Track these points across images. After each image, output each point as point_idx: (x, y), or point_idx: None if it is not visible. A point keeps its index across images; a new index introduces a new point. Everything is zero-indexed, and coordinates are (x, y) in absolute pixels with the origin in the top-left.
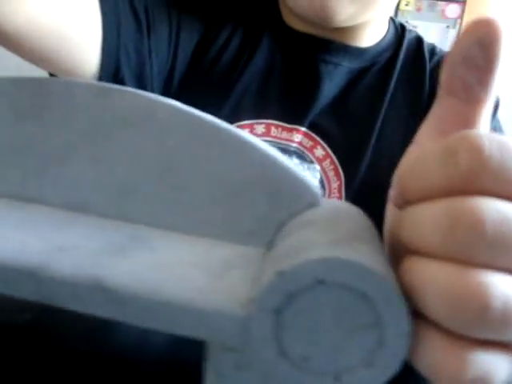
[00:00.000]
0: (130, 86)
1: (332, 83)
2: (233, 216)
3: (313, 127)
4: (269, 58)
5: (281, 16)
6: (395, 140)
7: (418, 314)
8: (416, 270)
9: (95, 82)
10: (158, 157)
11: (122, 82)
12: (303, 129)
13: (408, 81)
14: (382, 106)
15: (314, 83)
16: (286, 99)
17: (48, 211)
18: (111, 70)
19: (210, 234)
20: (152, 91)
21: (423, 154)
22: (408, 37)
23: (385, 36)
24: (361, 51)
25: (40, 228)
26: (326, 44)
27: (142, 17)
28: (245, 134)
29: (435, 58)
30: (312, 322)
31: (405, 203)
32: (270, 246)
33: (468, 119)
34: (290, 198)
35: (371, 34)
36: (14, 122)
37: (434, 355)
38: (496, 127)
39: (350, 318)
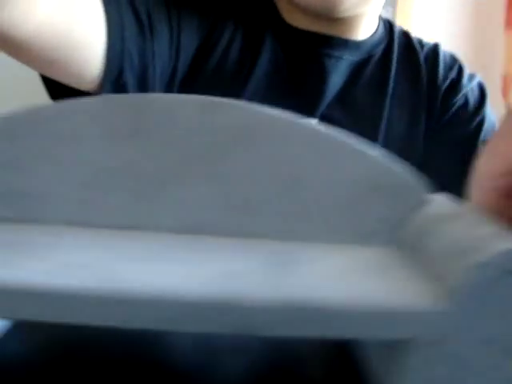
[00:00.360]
0: (131, 89)
1: (337, 76)
2: (356, 220)
3: (324, 119)
4: (273, 58)
5: (279, 14)
6: (402, 125)
7: None
8: None
9: (196, 97)
10: (278, 170)
11: (124, 86)
12: (315, 121)
13: (405, 70)
14: (386, 94)
15: (320, 77)
16: (296, 95)
17: (168, 237)
18: (114, 73)
19: (336, 239)
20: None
21: None
22: (396, 30)
23: (376, 30)
24: (358, 44)
25: (180, 256)
26: (328, 39)
27: (145, 19)
28: (354, 141)
29: (425, 49)
30: (497, 304)
31: None
32: (398, 244)
33: None
34: (403, 197)
35: (365, 28)
36: (110, 146)
37: None
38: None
39: None
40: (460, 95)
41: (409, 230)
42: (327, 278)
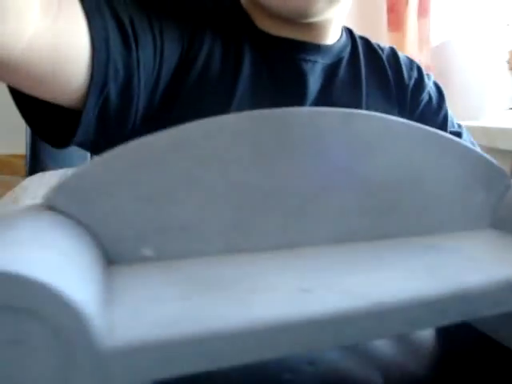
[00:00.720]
0: (114, 99)
1: (314, 79)
2: (466, 207)
3: None
4: (254, 65)
5: (253, 22)
6: None
7: None
8: None
9: (335, 109)
10: (407, 171)
11: (107, 96)
12: None
13: (373, 71)
14: (360, 93)
15: (300, 81)
16: (280, 98)
17: (334, 249)
18: (99, 84)
19: (454, 227)
20: (137, 103)
21: None
22: (356, 35)
23: (341, 35)
24: (329, 48)
25: (367, 264)
26: (301, 44)
27: (129, 29)
28: (459, 140)
29: (385, 52)
30: None
31: None
32: (499, 225)
33: None
34: (496, 184)
35: (333, 33)
36: (258, 163)
37: None
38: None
39: None
40: (425, 93)
41: (505, 211)
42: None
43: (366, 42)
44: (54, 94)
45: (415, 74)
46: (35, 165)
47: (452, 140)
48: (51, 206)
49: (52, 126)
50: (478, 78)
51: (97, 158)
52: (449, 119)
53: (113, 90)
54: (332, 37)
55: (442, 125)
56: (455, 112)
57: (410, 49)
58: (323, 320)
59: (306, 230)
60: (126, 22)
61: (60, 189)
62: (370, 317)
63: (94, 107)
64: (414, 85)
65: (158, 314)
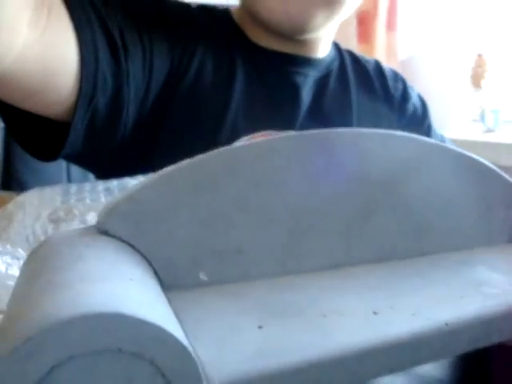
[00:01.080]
0: (103, 111)
1: (306, 91)
2: (488, 225)
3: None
4: (247, 78)
5: (245, 35)
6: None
7: None
8: None
9: (378, 131)
10: (440, 191)
11: (95, 107)
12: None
13: (361, 82)
14: (350, 105)
15: (293, 93)
16: (274, 110)
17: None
18: (88, 96)
19: (480, 243)
20: (127, 115)
21: None
22: (342, 49)
23: (330, 49)
24: (319, 61)
25: (417, 284)
26: (294, 58)
27: (118, 41)
28: (482, 160)
29: (370, 64)
30: None
31: None
32: None
33: None
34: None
35: (323, 47)
36: (307, 184)
37: None
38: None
39: None
40: (409, 103)
41: None
42: None
43: (352, 54)
44: (43, 106)
45: (400, 85)
46: (9, 175)
47: (477, 161)
48: (104, 230)
49: (38, 139)
50: (442, 92)
51: (148, 180)
52: (432, 129)
53: (101, 101)
54: (322, 51)
55: (427, 135)
56: None
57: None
58: (400, 343)
59: (352, 250)
60: (116, 33)
61: (113, 213)
62: (440, 337)
63: (83, 119)
64: (400, 96)
65: (243, 346)
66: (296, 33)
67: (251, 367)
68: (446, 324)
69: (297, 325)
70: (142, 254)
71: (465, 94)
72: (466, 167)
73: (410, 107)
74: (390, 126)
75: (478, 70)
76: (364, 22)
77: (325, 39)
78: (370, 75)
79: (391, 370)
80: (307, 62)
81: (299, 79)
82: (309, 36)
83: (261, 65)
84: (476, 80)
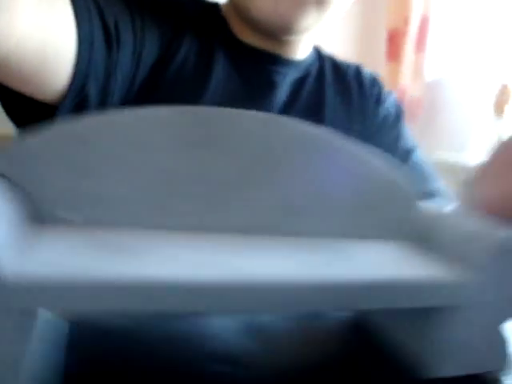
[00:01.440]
0: (93, 99)
1: (282, 90)
2: (371, 218)
3: None
4: (224, 72)
5: (230, 30)
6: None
7: None
8: None
9: (260, 113)
10: (320, 177)
11: (86, 96)
12: None
13: (337, 86)
14: (324, 108)
15: (270, 91)
16: (248, 106)
17: (236, 238)
18: (80, 83)
19: (356, 235)
20: (112, 103)
21: None
22: (324, 54)
23: (311, 52)
24: (298, 63)
25: (263, 252)
26: (275, 57)
27: (112, 30)
28: (370, 158)
29: (350, 69)
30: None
31: None
32: (404, 238)
33: None
34: (401, 201)
35: (304, 49)
36: (181, 152)
37: None
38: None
39: None
40: (382, 107)
41: (411, 226)
42: (386, 263)
43: (332, 60)
44: (39, 90)
45: (376, 89)
46: None
47: (360, 157)
48: None
49: (30, 118)
50: (465, 116)
51: (36, 131)
52: (403, 135)
53: (92, 90)
54: (303, 52)
55: (396, 139)
56: (440, 142)
57: (404, 80)
58: (196, 286)
59: (219, 216)
60: (111, 24)
61: (1, 153)
62: (236, 290)
63: (71, 104)
64: (374, 100)
65: (57, 260)
66: (284, 32)
67: (48, 273)
68: (247, 279)
69: (121, 258)
70: (24, 190)
71: (486, 120)
72: (348, 161)
73: (383, 111)
74: (362, 131)
75: (502, 99)
76: (394, 39)
77: (307, 42)
78: (349, 80)
79: (184, 308)
80: (287, 62)
81: (277, 78)
82: (295, 37)
83: (241, 60)
84: (499, 108)
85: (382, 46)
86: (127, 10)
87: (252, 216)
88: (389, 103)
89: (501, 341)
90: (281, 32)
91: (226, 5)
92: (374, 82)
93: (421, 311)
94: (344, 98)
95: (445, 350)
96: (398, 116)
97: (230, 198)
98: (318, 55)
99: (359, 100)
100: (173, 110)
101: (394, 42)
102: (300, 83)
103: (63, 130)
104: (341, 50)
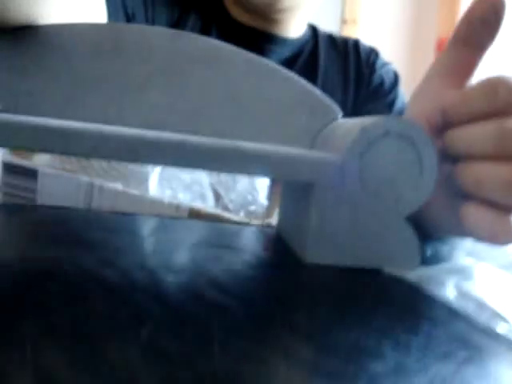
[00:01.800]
0: None
1: None
2: (283, 128)
3: None
4: None
5: (226, 10)
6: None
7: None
8: (475, 169)
9: (169, 29)
10: (223, 86)
11: None
12: None
13: (334, 64)
14: (316, 83)
15: None
16: None
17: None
18: None
19: (268, 141)
20: None
21: (466, 90)
22: (320, 33)
23: (305, 31)
24: (291, 41)
25: None
26: (266, 35)
27: (130, 14)
28: (284, 69)
29: (349, 45)
30: (381, 161)
31: (451, 126)
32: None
33: (469, 64)
34: (321, 114)
35: (296, 28)
36: (93, 60)
37: (483, 221)
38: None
39: (403, 157)
40: (376, 74)
41: (324, 137)
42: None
43: (330, 37)
44: None
45: (372, 59)
46: None
47: (275, 69)
48: None
49: None
50: None
51: None
52: (398, 101)
53: None
54: (294, 32)
55: (392, 103)
56: None
57: None
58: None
59: (124, 113)
60: (130, 7)
61: None
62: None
63: None
64: (370, 69)
65: None
66: (270, 10)
67: None
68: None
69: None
70: None
71: None
72: (262, 72)
73: (376, 79)
74: (357, 98)
75: None
76: (443, 47)
77: (299, 20)
78: (348, 53)
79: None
80: (279, 40)
81: (268, 56)
82: (284, 14)
83: (233, 38)
84: None
85: (431, 54)
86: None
87: (150, 114)
88: (384, 71)
89: (405, 238)
90: (267, 9)
91: None
92: (371, 53)
93: (300, 197)
94: (340, 69)
95: (323, 236)
96: (394, 82)
97: (133, 97)
98: (313, 33)
99: (355, 69)
100: (90, 25)
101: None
102: (291, 61)
103: (5, 38)
104: (392, 59)
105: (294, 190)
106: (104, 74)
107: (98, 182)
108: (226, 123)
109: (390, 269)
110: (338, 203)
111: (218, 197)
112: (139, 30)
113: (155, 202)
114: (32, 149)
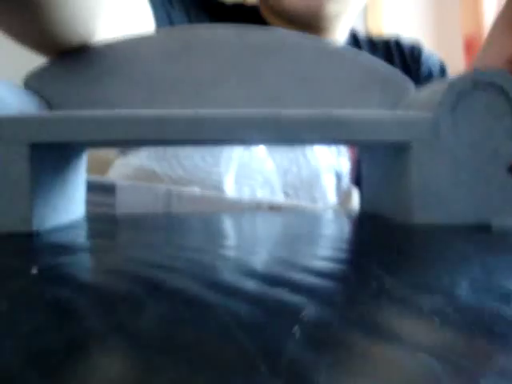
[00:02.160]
0: None
1: None
2: (361, 104)
3: None
4: None
5: (262, 20)
6: None
7: None
8: None
9: (232, 25)
10: (294, 72)
11: None
12: None
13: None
14: None
15: None
16: None
17: None
18: None
19: None
20: None
21: None
22: (361, 37)
23: (346, 38)
24: None
25: None
26: None
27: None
28: (350, 50)
29: (391, 41)
30: (472, 113)
31: None
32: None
33: None
34: (393, 88)
35: (340, 35)
36: (165, 63)
37: None
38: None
39: (494, 107)
40: (424, 66)
41: (401, 106)
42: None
43: (370, 39)
44: None
45: (416, 53)
46: None
47: (342, 49)
48: (26, 84)
49: None
50: None
51: (57, 60)
52: None
53: None
54: (339, 38)
55: None
56: None
57: None
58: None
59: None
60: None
61: (32, 74)
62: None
63: None
64: (415, 63)
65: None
66: (314, 20)
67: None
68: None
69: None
70: (44, 100)
71: None
72: (330, 54)
73: (425, 70)
74: None
75: None
76: (471, 46)
77: (340, 28)
78: (391, 57)
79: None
80: None
81: None
82: (327, 24)
83: None
84: None
85: (460, 54)
86: (184, 11)
87: (227, 108)
88: (430, 62)
89: (508, 190)
90: (312, 18)
91: (261, 5)
92: (413, 48)
93: (390, 163)
94: None
95: (427, 195)
96: (442, 71)
97: (208, 94)
98: (354, 39)
99: (402, 67)
100: (157, 32)
101: (472, 50)
102: None
103: (78, 56)
104: None
105: (379, 158)
106: (178, 75)
107: (175, 189)
108: (301, 107)
109: (498, 222)
110: (436, 160)
111: (287, 195)
112: (205, 29)
113: (235, 202)
114: (127, 142)
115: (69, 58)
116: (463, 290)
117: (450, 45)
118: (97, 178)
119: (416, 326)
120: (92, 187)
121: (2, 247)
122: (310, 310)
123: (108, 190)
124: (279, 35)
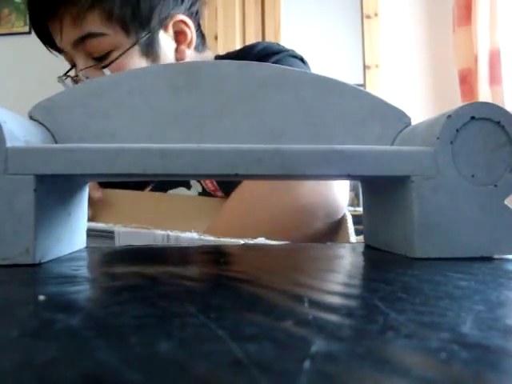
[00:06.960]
0: None
1: None
2: (361, 139)
3: None
4: None
5: None
6: None
7: None
8: None
9: (233, 60)
10: (295, 106)
11: None
12: None
13: None
14: None
15: None
16: None
17: None
18: None
19: None
20: None
21: None
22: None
23: None
24: None
25: None
26: None
27: None
28: (350, 84)
29: None
30: (471, 146)
31: None
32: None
33: None
34: (393, 121)
35: None
36: (169, 96)
37: None
38: None
39: (492, 140)
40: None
41: (400, 143)
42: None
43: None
44: None
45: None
46: None
47: (342, 83)
48: (31, 116)
49: None
50: None
51: (62, 92)
52: None
53: None
54: None
55: None
56: None
57: None
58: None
59: (205, 141)
60: None
61: (37, 106)
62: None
63: None
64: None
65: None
66: None
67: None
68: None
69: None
70: (48, 131)
71: None
72: (330, 88)
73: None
74: None
75: None
76: (466, 79)
77: None
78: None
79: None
80: None
81: None
82: None
83: None
84: None
85: (456, 88)
86: None
87: (229, 141)
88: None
89: (508, 222)
90: None
91: None
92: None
93: (389, 197)
94: None
95: (428, 228)
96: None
97: (211, 127)
98: None
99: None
100: (162, 66)
101: (467, 81)
102: None
103: (83, 88)
104: (417, 99)
105: (380, 191)
106: (181, 108)
107: (173, 233)
108: (303, 141)
109: (499, 255)
110: (436, 193)
111: None
112: (208, 64)
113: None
114: (131, 175)
115: (73, 90)
116: (468, 326)
117: (446, 78)
118: (95, 224)
119: (424, 361)
120: (90, 234)
121: (7, 277)
122: (319, 343)
123: (107, 236)
124: (281, 70)
